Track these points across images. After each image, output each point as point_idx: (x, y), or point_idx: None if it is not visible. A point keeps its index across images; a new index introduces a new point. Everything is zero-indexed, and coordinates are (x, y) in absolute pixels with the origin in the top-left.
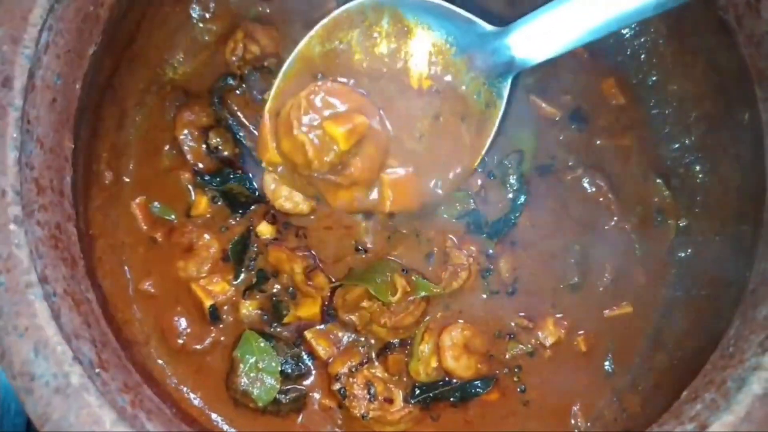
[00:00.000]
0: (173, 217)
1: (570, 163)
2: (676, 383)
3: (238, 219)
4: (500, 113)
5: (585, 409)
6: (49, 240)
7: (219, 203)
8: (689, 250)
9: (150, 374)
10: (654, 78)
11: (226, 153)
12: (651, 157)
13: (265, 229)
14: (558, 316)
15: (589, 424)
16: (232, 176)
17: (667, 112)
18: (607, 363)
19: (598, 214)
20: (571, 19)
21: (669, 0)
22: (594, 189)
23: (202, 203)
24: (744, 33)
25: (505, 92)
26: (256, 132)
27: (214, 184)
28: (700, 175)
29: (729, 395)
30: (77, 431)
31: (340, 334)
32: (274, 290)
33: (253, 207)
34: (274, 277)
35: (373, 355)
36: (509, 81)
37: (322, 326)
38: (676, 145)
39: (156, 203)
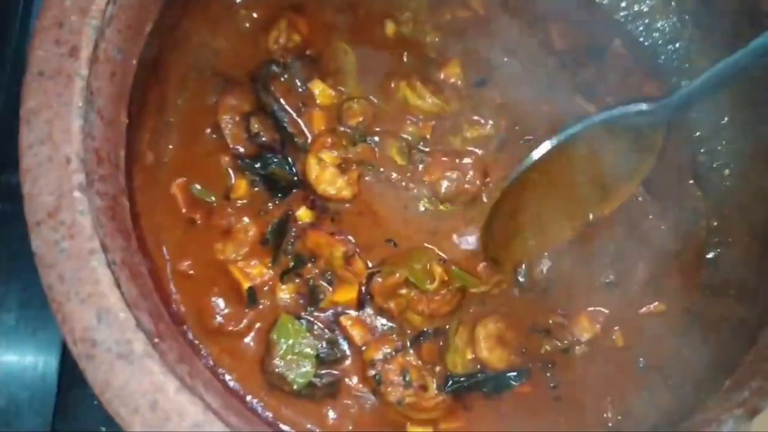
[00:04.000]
0: (213, 199)
1: None
2: (708, 380)
3: (277, 203)
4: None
5: (616, 405)
6: (108, 211)
7: (258, 187)
8: (719, 251)
9: (196, 350)
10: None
11: (266, 139)
12: (683, 158)
13: (304, 214)
14: (592, 312)
15: (619, 418)
16: (272, 160)
17: (699, 116)
18: (641, 359)
19: (633, 214)
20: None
21: None
22: None
23: (241, 186)
24: None
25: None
26: (298, 119)
27: (254, 168)
28: (730, 179)
29: None
30: (140, 397)
31: (375, 320)
32: (311, 275)
33: (293, 191)
34: (312, 262)
35: (408, 342)
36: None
37: (358, 312)
38: (705, 149)
39: (196, 185)
